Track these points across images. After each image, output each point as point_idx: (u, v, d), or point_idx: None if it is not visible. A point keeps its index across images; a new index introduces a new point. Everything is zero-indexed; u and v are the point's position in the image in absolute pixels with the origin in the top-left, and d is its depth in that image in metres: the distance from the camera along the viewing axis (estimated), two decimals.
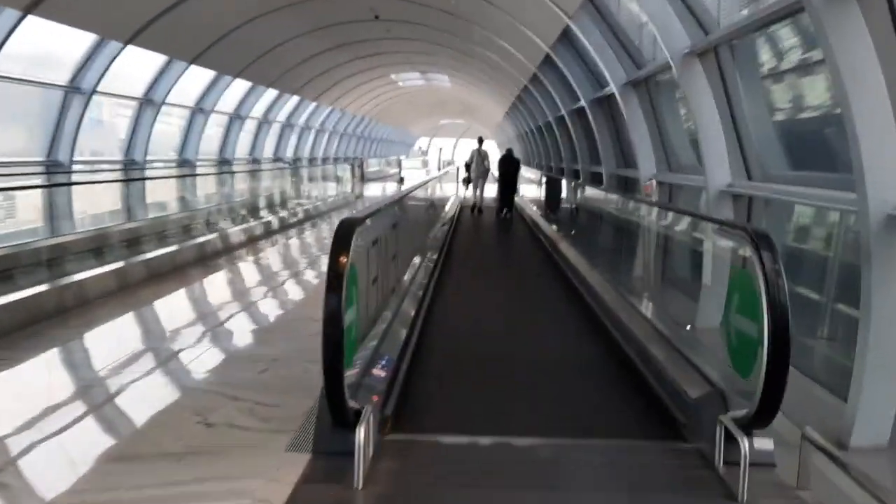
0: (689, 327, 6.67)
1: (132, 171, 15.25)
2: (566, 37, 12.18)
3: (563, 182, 16.68)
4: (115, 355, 5.78)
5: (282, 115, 24.94)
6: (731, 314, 3.89)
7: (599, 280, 8.87)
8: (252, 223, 14.50)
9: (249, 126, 22.62)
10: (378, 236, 5.15)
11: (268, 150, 24.97)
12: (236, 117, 20.78)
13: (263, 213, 16.97)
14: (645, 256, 8.07)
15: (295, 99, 24.31)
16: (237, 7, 13.29)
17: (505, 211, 19.33)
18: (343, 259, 3.45)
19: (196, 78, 16.71)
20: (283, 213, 17.20)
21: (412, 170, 46.25)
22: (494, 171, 21.78)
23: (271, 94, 22.05)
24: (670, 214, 7.75)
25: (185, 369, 5.49)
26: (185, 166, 17.89)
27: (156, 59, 14.57)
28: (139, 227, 11.94)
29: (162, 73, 14.93)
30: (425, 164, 54.64)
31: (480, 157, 20.34)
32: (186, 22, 12.48)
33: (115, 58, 12.24)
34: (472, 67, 21.50)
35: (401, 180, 33.89)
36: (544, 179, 20.21)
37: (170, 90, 15.10)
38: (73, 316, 7.06)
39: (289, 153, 27.24)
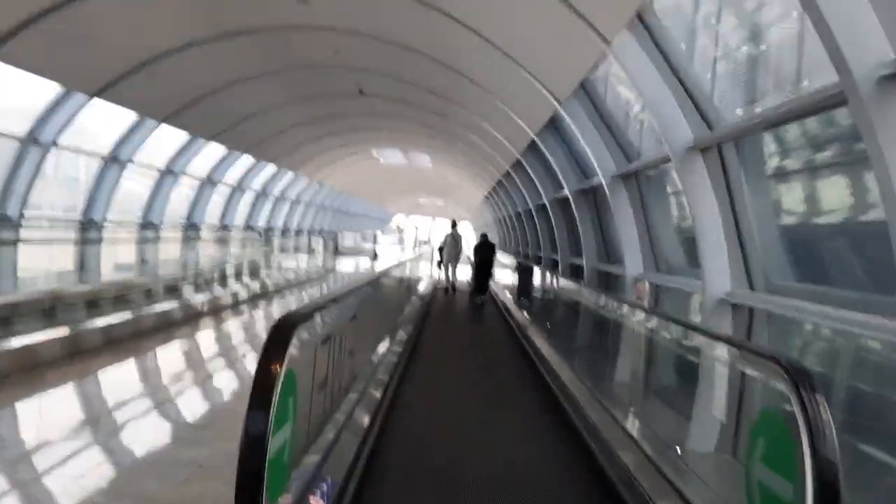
0: (678, 449, 5.94)
1: (90, 231, 14.45)
2: (553, 124, 11.77)
3: (536, 270, 16.15)
4: (16, 447, 4.90)
5: (257, 184, 24.34)
6: (754, 463, 3.16)
7: (570, 376, 8.24)
8: (217, 293, 13.68)
9: (222, 190, 21.97)
10: (331, 332, 4.39)
11: (240, 217, 24.27)
12: (209, 182, 20.13)
13: (231, 282, 16.19)
14: (631, 362, 7.38)
15: (272, 167, 23.78)
16: (216, 70, 12.78)
17: (479, 297, 18.59)
18: (275, 367, 2.70)
19: (168, 138, 16.12)
20: (251, 284, 16.41)
21: (388, 246, 45.88)
22: (468, 253, 21.70)
23: (247, 160, 21.50)
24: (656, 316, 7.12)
25: (92, 472, 4.61)
26: (148, 229, 17.11)
27: (126, 115, 13.97)
28: (92, 290, 11.08)
29: (132, 130, 14.30)
30: (401, 241, 54.38)
31: (454, 239, 20.42)
32: (160, 80, 11.92)
33: (79, 110, 11.56)
34: (455, 149, 21.17)
35: (375, 256, 33.11)
36: (517, 266, 19.70)
37: (137, 149, 14.45)
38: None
39: (261, 222, 26.57)
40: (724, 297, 6.32)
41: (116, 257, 15.09)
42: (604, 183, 9.38)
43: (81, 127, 13.05)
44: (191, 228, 19.96)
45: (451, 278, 20.44)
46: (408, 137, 21.72)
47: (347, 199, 39.42)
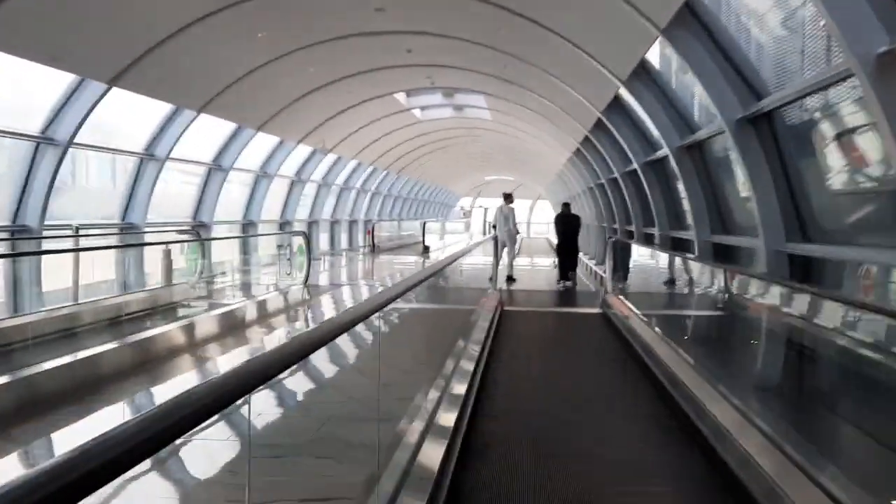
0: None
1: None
2: (643, 67, 9.76)
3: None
4: None
5: (317, 175, 22.77)
6: None
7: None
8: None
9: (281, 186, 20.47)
10: None
11: (301, 212, 22.69)
12: (263, 175, 18.67)
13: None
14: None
15: (332, 157, 22.21)
16: (239, 50, 11.20)
17: (564, 282, 15.71)
18: None
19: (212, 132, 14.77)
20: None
21: (452, 234, 40.45)
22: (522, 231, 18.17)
23: (304, 150, 19.96)
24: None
25: None
26: (201, 229, 15.60)
27: (161, 109, 12.59)
28: None
29: (167, 123, 12.90)
30: (468, 226, 49.29)
31: (504, 216, 16.19)
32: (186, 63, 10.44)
33: (97, 102, 10.06)
34: (521, 110, 18.35)
35: (425, 250, 26.27)
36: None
37: (175, 143, 13.04)
38: None
39: (325, 214, 24.92)
40: None
41: None
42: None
43: (111, 126, 11.86)
44: (248, 226, 18.34)
45: (505, 264, 15.98)
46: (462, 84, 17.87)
47: (417, 185, 36.12)
